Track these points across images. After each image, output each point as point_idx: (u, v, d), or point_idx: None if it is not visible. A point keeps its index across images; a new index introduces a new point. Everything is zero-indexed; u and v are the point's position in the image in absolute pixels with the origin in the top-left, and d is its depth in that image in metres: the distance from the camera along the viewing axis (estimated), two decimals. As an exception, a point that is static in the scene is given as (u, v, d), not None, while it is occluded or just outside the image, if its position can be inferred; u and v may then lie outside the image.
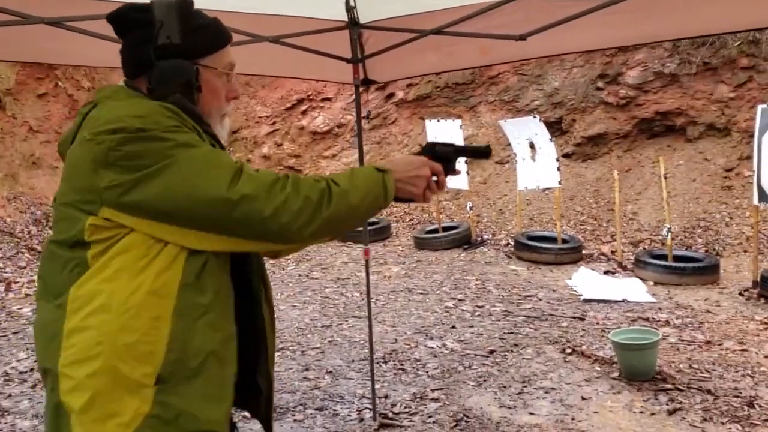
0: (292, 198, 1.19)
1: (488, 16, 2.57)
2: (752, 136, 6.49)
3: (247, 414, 1.99)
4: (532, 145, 7.69)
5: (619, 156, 9.30)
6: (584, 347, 4.41)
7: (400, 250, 8.50)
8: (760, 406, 3.38)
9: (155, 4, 1.25)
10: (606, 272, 6.66)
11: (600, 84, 9.44)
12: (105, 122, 1.17)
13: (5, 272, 7.08)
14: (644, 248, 7.29)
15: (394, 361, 4.34)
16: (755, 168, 5.65)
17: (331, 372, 4.18)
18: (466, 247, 8.22)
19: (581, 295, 5.80)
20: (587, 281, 6.25)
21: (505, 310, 5.47)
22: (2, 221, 8.19)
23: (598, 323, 4.99)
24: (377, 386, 3.68)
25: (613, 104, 9.33)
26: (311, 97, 11.69)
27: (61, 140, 1.34)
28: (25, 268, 7.36)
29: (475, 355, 4.40)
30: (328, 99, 11.62)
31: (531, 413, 3.45)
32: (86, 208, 1.17)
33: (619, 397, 3.59)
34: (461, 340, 4.72)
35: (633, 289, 5.91)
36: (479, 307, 5.62)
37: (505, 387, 3.81)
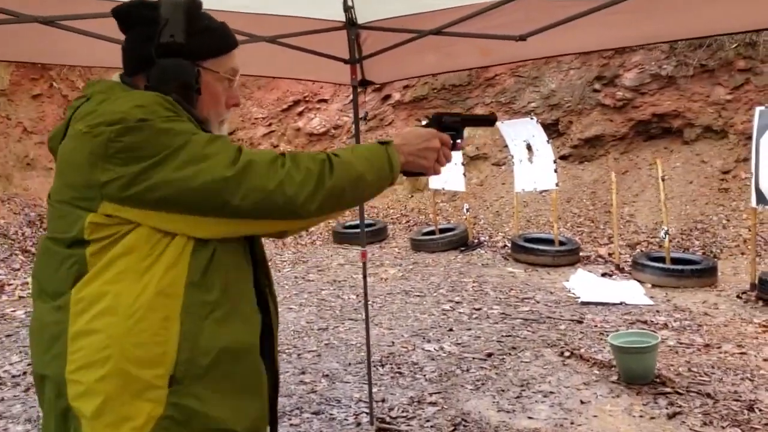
0: (294, 171, 1.18)
1: (488, 16, 2.55)
2: (749, 138, 6.50)
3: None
4: (529, 147, 7.67)
5: (616, 158, 9.31)
6: (582, 350, 4.39)
7: (397, 252, 8.47)
8: (760, 410, 3.36)
9: (163, 2, 1.24)
10: (603, 274, 6.65)
11: (597, 86, 9.45)
12: (102, 114, 1.15)
13: (-2, 274, 7.03)
14: (641, 250, 7.28)
15: (391, 364, 4.30)
16: (753, 170, 5.64)
17: (327, 375, 4.14)
18: (463, 249, 8.19)
19: (579, 297, 5.78)
20: (585, 284, 6.23)
21: (503, 313, 5.44)
22: (-4, 223, 8.14)
23: (596, 326, 4.97)
24: (374, 390, 3.64)
25: (610, 106, 9.34)
26: (307, 99, 11.67)
27: (51, 135, 1.31)
28: (18, 270, 7.30)
29: (473, 358, 4.37)
30: (325, 100, 11.60)
31: (530, 417, 3.42)
32: (84, 204, 1.15)
33: (619, 401, 3.57)
34: (459, 343, 4.68)
35: (631, 291, 5.89)
36: (476, 309, 5.59)
37: (503, 391, 3.78)
